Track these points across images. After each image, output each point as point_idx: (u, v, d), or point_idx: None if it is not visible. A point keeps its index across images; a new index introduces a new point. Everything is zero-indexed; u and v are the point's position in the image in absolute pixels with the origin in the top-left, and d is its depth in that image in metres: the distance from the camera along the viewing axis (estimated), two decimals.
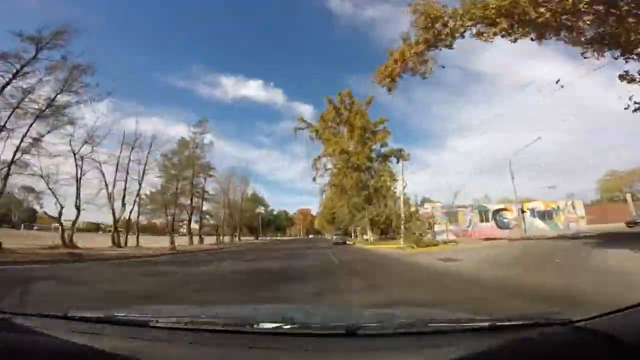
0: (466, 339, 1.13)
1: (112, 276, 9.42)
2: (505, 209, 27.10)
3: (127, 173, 26.94)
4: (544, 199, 28.57)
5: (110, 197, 25.33)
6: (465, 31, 9.72)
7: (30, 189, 28.05)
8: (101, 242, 24.78)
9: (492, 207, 27.87)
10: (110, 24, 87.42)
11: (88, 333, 1.24)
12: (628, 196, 35.50)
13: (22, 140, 17.62)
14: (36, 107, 17.62)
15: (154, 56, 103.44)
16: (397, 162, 33.55)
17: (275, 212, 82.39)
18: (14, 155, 17.45)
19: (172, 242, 27.07)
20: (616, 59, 9.12)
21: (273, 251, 22.84)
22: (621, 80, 9.35)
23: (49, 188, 20.44)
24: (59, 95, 18.46)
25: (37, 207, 40.62)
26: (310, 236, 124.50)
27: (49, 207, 23.19)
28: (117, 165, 26.11)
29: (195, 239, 36.36)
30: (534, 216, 26.84)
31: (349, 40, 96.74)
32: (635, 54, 8.60)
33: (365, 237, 40.41)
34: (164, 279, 8.71)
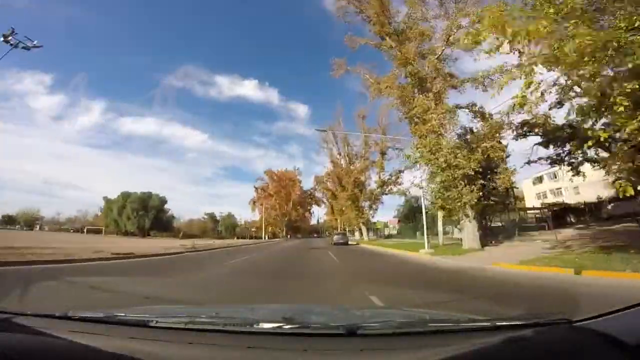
0: (466, 339, 1.14)
1: None
2: None
3: None
4: None
5: None
6: None
7: None
8: None
9: None
10: (106, 24, 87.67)
11: (88, 333, 1.24)
12: None
13: None
14: None
15: (148, 56, 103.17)
16: None
17: None
18: None
19: None
20: None
21: None
22: None
23: None
24: None
25: None
26: (316, 236, 78.18)
27: None
28: None
29: None
30: None
31: (343, 39, 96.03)
32: None
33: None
34: None
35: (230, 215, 78.03)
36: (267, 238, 62.12)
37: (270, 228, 70.72)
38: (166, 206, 64.42)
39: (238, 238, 62.67)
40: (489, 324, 1.36)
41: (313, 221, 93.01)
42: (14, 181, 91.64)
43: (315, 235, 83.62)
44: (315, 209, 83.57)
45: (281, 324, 1.35)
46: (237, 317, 1.81)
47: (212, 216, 77.09)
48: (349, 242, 31.32)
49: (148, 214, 59.63)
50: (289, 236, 76.15)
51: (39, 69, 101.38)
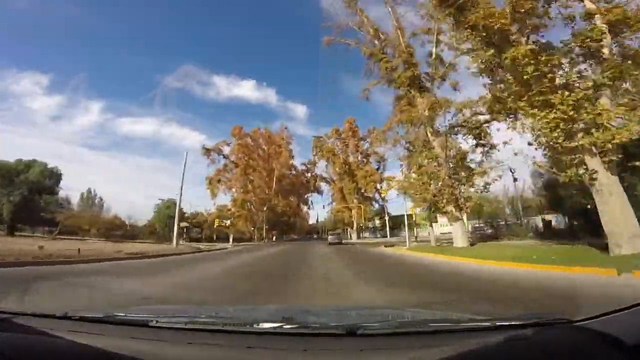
0: (466, 339, 1.13)
1: None
2: None
3: None
4: None
5: None
6: None
7: None
8: None
9: None
10: (101, 24, 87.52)
11: (88, 333, 1.24)
12: None
13: None
14: None
15: (145, 56, 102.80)
16: None
17: None
18: None
19: None
20: None
21: None
22: None
23: None
24: None
25: None
26: (315, 237, 60.27)
27: None
28: None
29: None
30: None
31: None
32: None
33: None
34: None
35: (167, 204, 40.83)
36: (231, 241, 36.72)
37: (241, 223, 42.65)
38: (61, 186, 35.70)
39: (190, 240, 38.59)
40: (489, 324, 1.35)
41: (313, 219, 72.22)
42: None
43: (315, 236, 68.36)
44: (316, 203, 63.56)
45: (281, 324, 1.35)
46: (237, 317, 1.82)
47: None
48: None
49: (11, 195, 31.29)
50: (273, 237, 49.66)
51: (37, 69, 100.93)
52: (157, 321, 1.33)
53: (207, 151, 43.70)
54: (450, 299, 4.71)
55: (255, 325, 1.36)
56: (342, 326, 1.29)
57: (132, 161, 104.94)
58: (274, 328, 1.30)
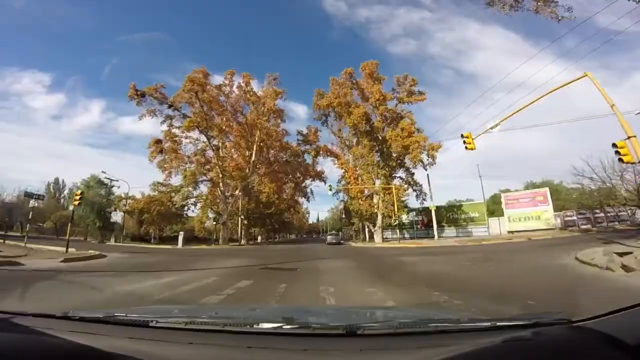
0: (466, 339, 1.13)
1: None
2: None
3: None
4: None
5: None
6: None
7: None
8: None
9: None
10: (102, 23, 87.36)
11: (88, 333, 1.24)
12: None
13: None
14: None
15: (146, 55, 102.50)
16: None
17: None
18: None
19: None
20: None
21: None
22: None
23: None
24: None
25: None
26: (314, 237, 50.01)
27: None
28: None
29: None
30: None
31: (342, 40, 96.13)
32: None
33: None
34: None
35: (88, 183, 32.57)
36: (180, 243, 25.40)
37: (208, 215, 30.72)
38: None
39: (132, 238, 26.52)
40: (489, 324, 1.35)
41: (313, 218, 61.21)
42: (19, 182, 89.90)
43: (314, 236, 59.45)
44: (317, 197, 48.10)
45: (281, 324, 1.35)
46: (237, 317, 1.82)
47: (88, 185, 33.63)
48: None
49: None
50: (257, 238, 38.42)
51: (37, 68, 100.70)
52: (157, 321, 1.33)
53: (136, 93, 25.08)
54: None
55: (255, 326, 1.36)
56: (342, 326, 1.29)
57: (131, 159, 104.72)
58: (274, 328, 1.30)
